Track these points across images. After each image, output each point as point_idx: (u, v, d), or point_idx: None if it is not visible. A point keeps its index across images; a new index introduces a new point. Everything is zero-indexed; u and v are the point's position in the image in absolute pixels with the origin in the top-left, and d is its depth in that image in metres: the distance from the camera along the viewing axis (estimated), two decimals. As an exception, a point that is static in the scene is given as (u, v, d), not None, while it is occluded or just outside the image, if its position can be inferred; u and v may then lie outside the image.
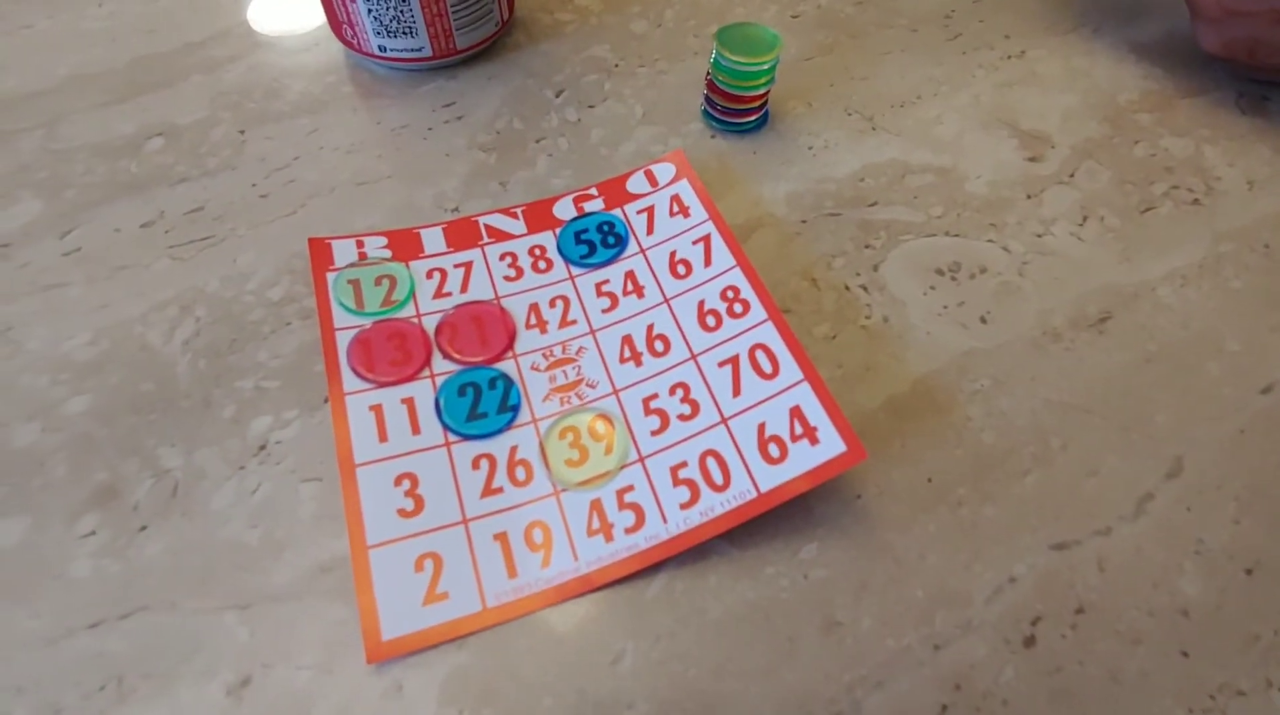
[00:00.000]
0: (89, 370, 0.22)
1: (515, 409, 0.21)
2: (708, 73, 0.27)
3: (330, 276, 0.23)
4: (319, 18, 0.32)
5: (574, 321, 0.23)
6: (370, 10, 0.26)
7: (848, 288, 0.24)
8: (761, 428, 0.20)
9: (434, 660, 0.18)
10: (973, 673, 0.17)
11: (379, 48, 0.28)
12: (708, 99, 0.27)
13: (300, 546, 0.19)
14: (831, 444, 0.19)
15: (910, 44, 0.31)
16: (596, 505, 0.19)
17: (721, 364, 0.21)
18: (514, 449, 0.20)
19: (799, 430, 0.19)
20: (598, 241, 0.24)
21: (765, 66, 0.25)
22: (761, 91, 0.26)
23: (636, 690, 0.17)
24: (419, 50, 0.28)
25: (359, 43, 0.28)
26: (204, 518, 0.19)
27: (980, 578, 0.19)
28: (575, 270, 0.24)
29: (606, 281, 0.24)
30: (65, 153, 0.27)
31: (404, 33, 0.27)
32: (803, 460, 0.19)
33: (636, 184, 0.26)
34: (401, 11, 0.26)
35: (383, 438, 0.20)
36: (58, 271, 0.24)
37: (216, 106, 0.28)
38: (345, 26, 0.28)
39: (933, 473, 0.20)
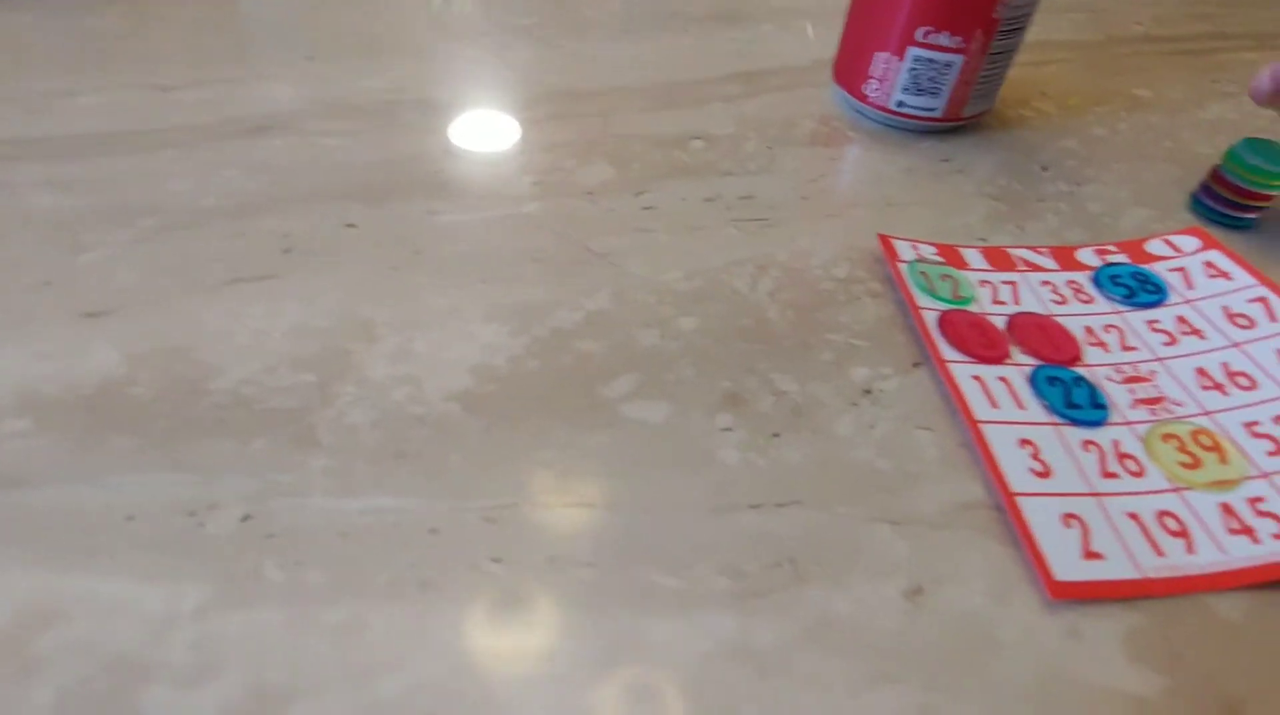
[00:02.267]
0: (690, 299, 0.24)
1: (1105, 408, 0.22)
2: (1215, 166, 0.29)
3: (902, 266, 0.25)
4: (813, 75, 0.36)
5: (1134, 347, 0.24)
6: (912, 70, 0.30)
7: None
8: None
9: (1106, 615, 0.17)
10: None
11: (898, 103, 0.32)
12: (1207, 190, 0.29)
13: (934, 482, 0.20)
14: None
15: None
16: (1228, 508, 0.19)
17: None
18: (1116, 442, 0.21)
19: None
20: (1136, 287, 0.25)
21: (1289, 171, 0.28)
22: (1273, 193, 0.28)
23: (1338, 695, 0.16)
24: (933, 110, 0.31)
25: (879, 95, 0.32)
26: (831, 439, 0.21)
27: None
28: (1120, 306, 0.25)
29: (1158, 321, 0.24)
30: (623, 138, 0.32)
31: (929, 93, 0.31)
32: None
33: (1156, 248, 0.27)
34: (940, 75, 0.30)
35: (994, 405, 0.21)
36: (641, 219, 0.27)
37: (743, 127, 0.33)
38: (871, 81, 0.32)
39: None
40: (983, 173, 0.31)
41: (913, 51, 0.30)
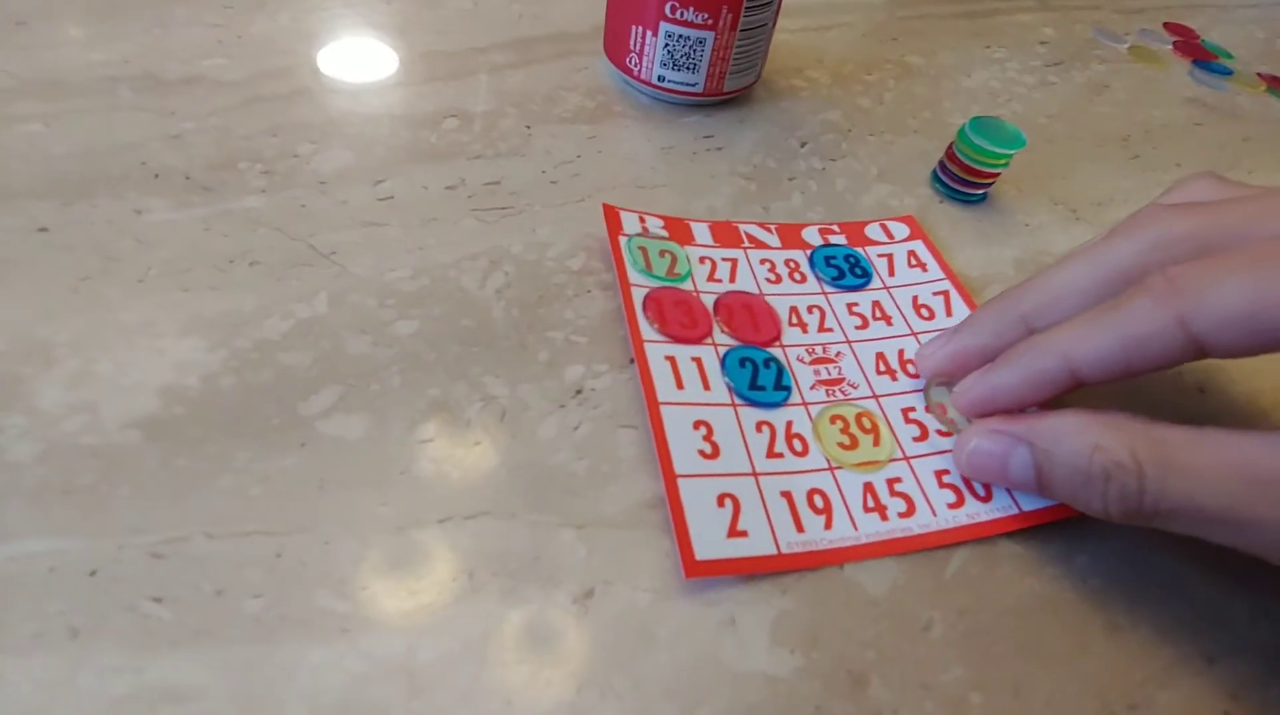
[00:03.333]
0: (413, 300, 0.24)
1: (788, 390, 0.23)
2: (950, 144, 0.30)
3: (622, 239, 0.26)
4: (591, 43, 0.35)
5: (830, 329, 0.25)
6: (667, 46, 0.30)
7: (1075, 345, 0.26)
8: None
9: (762, 601, 0.19)
10: (1246, 686, 0.19)
11: (658, 77, 0.31)
12: (943, 166, 0.31)
13: (625, 481, 0.20)
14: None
15: (1097, 158, 0.35)
16: (869, 487, 0.21)
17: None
18: (789, 423, 0.22)
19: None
20: (845, 269, 0.27)
21: (1010, 153, 0.29)
22: (998, 171, 0.30)
23: (951, 657, 0.19)
24: (693, 85, 0.31)
25: (639, 71, 0.31)
26: (532, 444, 0.21)
27: (1244, 603, 0.20)
28: (828, 288, 0.26)
29: (857, 303, 0.26)
30: (371, 117, 0.30)
31: (687, 68, 0.31)
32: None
33: (874, 232, 0.29)
34: (694, 50, 0.30)
35: (679, 386, 0.22)
36: (374, 212, 0.26)
37: (503, 102, 0.32)
38: (631, 55, 0.31)
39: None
40: (741, 150, 0.31)
41: (664, 27, 0.30)
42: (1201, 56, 0.45)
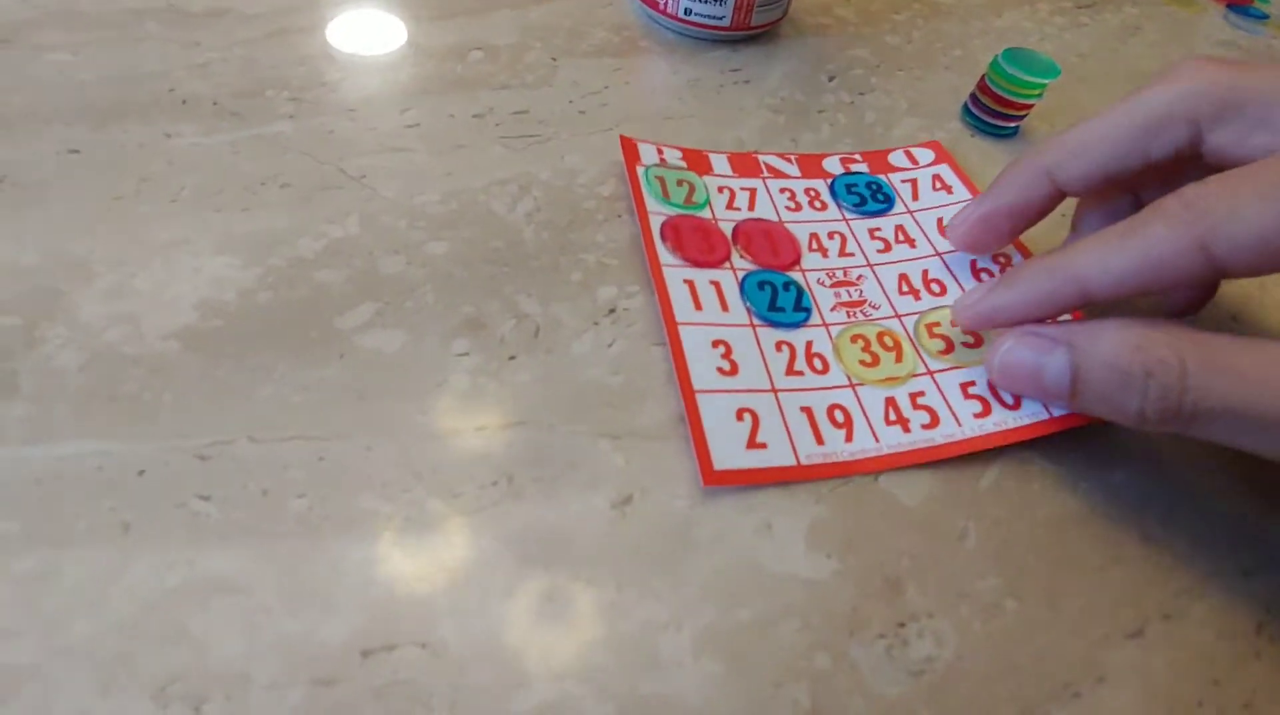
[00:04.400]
0: (444, 222, 0.24)
1: (807, 311, 0.23)
2: (983, 76, 0.30)
3: (640, 169, 0.25)
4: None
5: (851, 253, 0.25)
6: (694, -27, 0.30)
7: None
8: None
9: (797, 509, 0.19)
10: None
11: (685, 10, 0.31)
12: (975, 99, 0.30)
13: (659, 397, 0.20)
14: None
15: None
16: (891, 402, 0.21)
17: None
18: (809, 343, 0.22)
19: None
20: (867, 196, 0.27)
21: (1044, 83, 0.29)
22: (1031, 102, 0.29)
23: (986, 565, 0.19)
24: (721, 19, 0.31)
25: (666, 4, 0.31)
26: (567, 359, 0.21)
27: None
28: (849, 214, 0.26)
29: (879, 228, 0.26)
30: (397, 50, 0.30)
31: (714, 0, 0.30)
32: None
33: (897, 159, 0.28)
34: (722, -21, 0.30)
35: (698, 307, 0.22)
36: (402, 138, 0.26)
37: (527, 36, 0.31)
38: (658, -15, 0.31)
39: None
40: (769, 84, 0.31)
41: (692, -46, 0.29)
42: (1236, 0, 0.44)
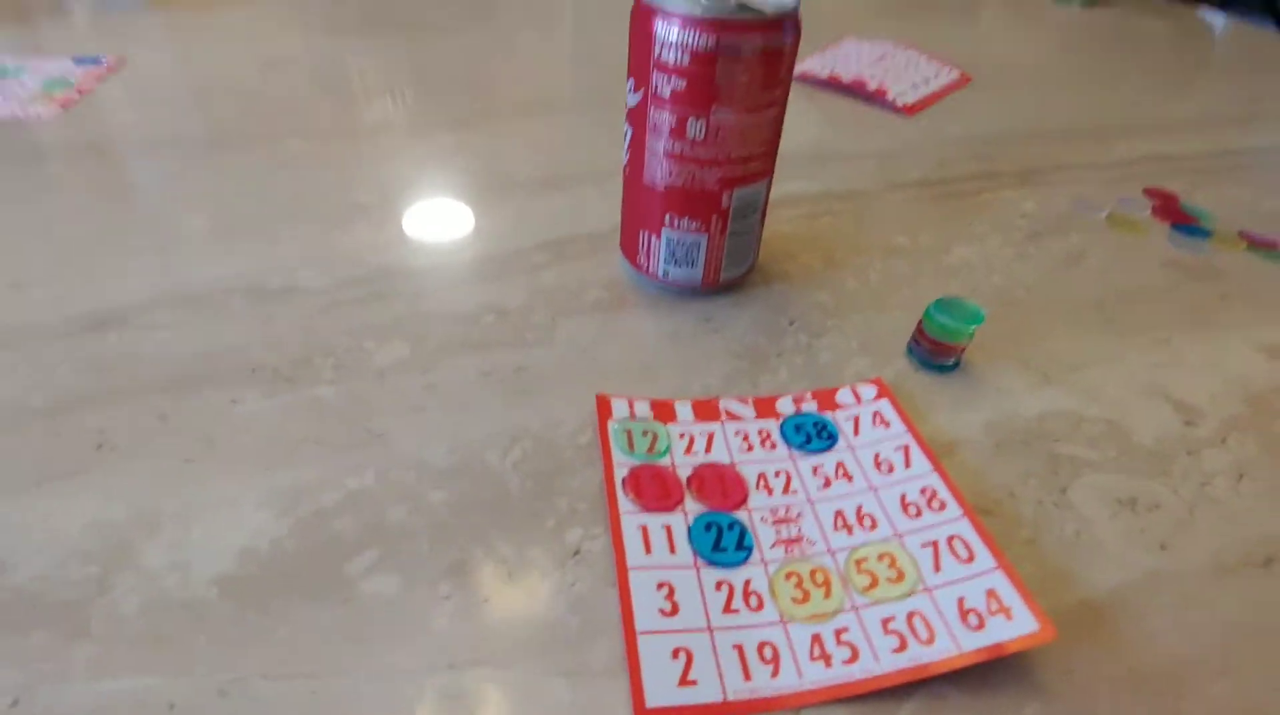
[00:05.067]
0: (446, 474, 0.28)
1: (749, 550, 0.26)
2: (920, 321, 0.34)
3: (611, 424, 0.30)
4: (612, 241, 0.42)
5: (794, 491, 0.28)
6: (669, 247, 0.36)
7: (1041, 502, 0.29)
8: (961, 601, 0.24)
9: (724, 749, 0.21)
10: None
11: (664, 272, 0.37)
12: (915, 340, 0.35)
13: (611, 636, 0.23)
14: (1025, 622, 0.23)
15: (1070, 323, 0.38)
16: (817, 638, 0.23)
17: (924, 545, 0.26)
18: (748, 581, 0.25)
19: (994, 607, 0.24)
20: (813, 434, 0.30)
21: (971, 328, 0.33)
22: (963, 344, 0.34)
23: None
24: (693, 279, 0.37)
25: (648, 267, 0.37)
26: (533, 599, 0.24)
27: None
28: (795, 452, 0.30)
29: (821, 465, 0.29)
30: (426, 315, 0.36)
31: (687, 264, 0.36)
32: (1000, 631, 0.23)
33: (843, 397, 0.32)
34: (691, 251, 0.36)
35: (648, 551, 0.25)
36: (420, 397, 0.32)
37: (534, 297, 0.38)
38: (641, 254, 0.37)
39: (1132, 666, 0.23)
40: (735, 331, 0.36)
41: (666, 233, 0.36)
42: (1180, 220, 0.48)
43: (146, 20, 0.70)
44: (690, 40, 0.30)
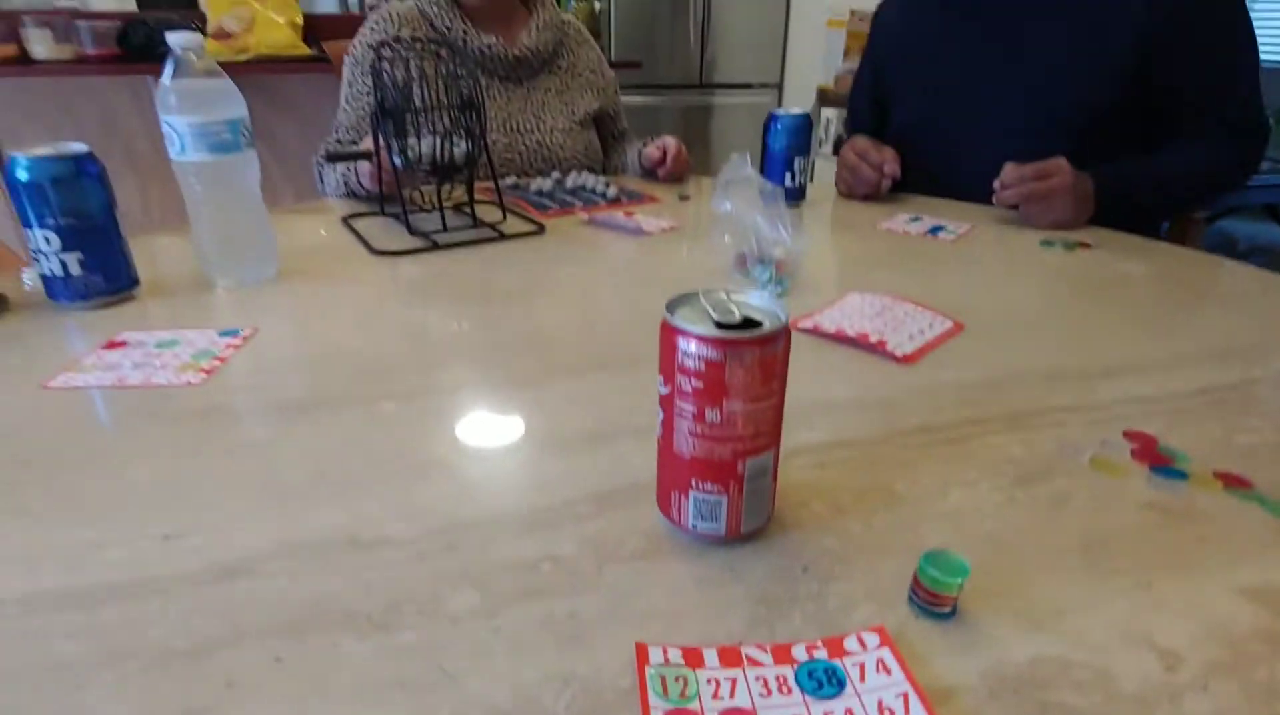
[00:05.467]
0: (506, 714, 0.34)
1: None
2: (915, 572, 0.40)
3: (647, 669, 0.35)
4: (653, 492, 0.49)
5: None
6: (695, 505, 0.43)
7: (1032, 751, 0.32)
8: None
9: None
10: None
11: (692, 526, 0.44)
12: (913, 590, 0.40)
13: None
14: None
15: (1056, 568, 0.43)
16: None
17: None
18: None
19: None
20: (824, 680, 0.35)
21: (957, 581, 0.38)
22: (954, 594, 0.39)
23: None
24: (717, 531, 0.43)
25: (680, 521, 0.44)
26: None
27: None
28: (809, 699, 0.34)
29: (831, 711, 0.34)
30: (493, 563, 0.43)
31: (711, 519, 0.43)
32: None
33: (850, 644, 0.37)
34: (715, 508, 0.43)
35: None
36: (488, 642, 0.37)
37: (583, 546, 0.44)
38: (673, 510, 0.44)
39: None
40: (754, 579, 0.42)
41: (693, 493, 0.43)
42: (1158, 462, 0.54)
43: (275, 291, 0.85)
44: (704, 352, 0.39)
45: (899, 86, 1.38)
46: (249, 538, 0.45)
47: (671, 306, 0.42)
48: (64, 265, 0.76)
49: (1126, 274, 0.95)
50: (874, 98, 1.44)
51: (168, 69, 0.78)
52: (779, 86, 4.27)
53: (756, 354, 0.39)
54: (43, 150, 0.74)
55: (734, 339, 0.39)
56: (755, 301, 0.43)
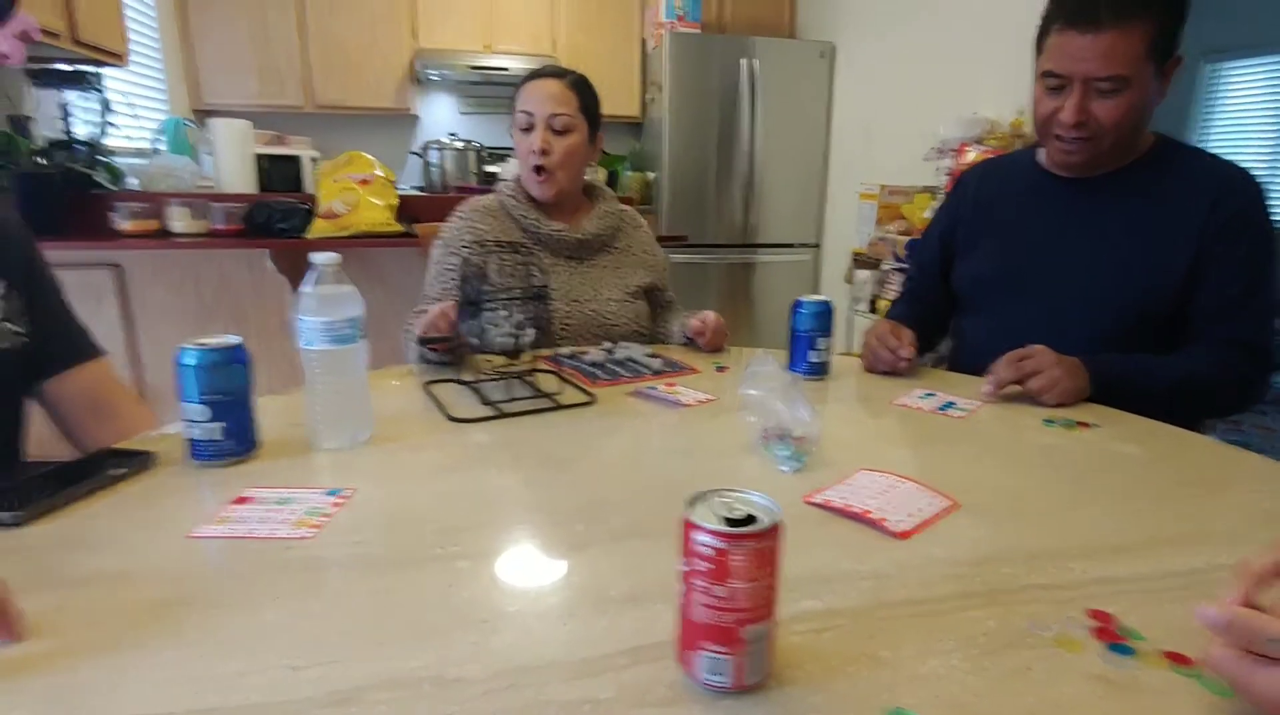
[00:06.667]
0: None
1: None
2: (880, 728, 0.49)
3: None
4: (672, 650, 0.60)
5: None
6: (707, 662, 0.54)
7: None
8: None
9: None
10: None
11: (705, 680, 0.54)
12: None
13: None
14: None
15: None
16: None
17: None
18: None
19: None
20: None
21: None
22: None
23: None
24: (726, 684, 0.54)
25: (694, 675, 0.55)
26: None
27: None
28: None
29: None
30: (545, 703, 0.54)
31: (720, 674, 0.54)
32: None
33: None
34: (724, 664, 0.54)
35: None
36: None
37: (622, 692, 0.55)
38: (689, 666, 0.55)
39: None
40: (755, 726, 0.52)
41: (704, 653, 0.54)
42: (1114, 640, 0.62)
43: (370, 453, 1.02)
44: (713, 542, 0.52)
45: (970, 238, 1.54)
46: (358, 672, 0.58)
47: (691, 501, 0.55)
48: (208, 432, 0.94)
49: (1121, 455, 1.05)
50: (942, 251, 1.60)
51: (309, 277, 0.99)
52: (817, 246, 4.58)
53: (753, 546, 0.52)
54: (208, 340, 0.95)
55: (736, 534, 0.52)
56: (757, 500, 0.56)
